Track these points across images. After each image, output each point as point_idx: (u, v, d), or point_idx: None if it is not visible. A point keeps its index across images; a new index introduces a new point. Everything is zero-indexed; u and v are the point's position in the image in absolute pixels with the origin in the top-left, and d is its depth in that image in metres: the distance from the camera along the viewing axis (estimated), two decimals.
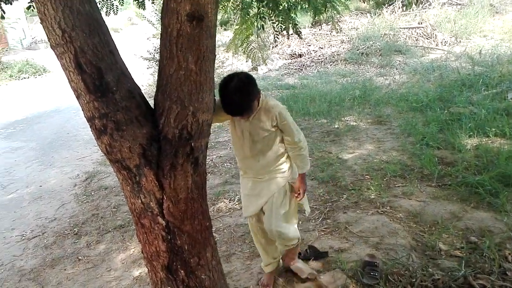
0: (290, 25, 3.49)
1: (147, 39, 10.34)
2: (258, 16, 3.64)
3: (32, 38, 25.48)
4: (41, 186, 5.34)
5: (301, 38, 4.12)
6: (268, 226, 2.54)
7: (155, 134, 1.81)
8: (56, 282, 3.18)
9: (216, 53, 1.93)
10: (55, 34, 1.62)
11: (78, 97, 1.75)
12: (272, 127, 2.41)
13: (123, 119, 1.73)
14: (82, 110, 1.78)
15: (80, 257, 3.50)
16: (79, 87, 1.69)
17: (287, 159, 2.56)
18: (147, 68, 9.86)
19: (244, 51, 4.44)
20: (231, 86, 2.20)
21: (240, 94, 2.20)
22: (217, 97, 2.16)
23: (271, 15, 3.60)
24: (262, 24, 3.66)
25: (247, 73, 2.37)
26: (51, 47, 1.70)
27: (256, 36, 4.19)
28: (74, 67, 1.65)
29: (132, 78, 1.84)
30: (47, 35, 1.66)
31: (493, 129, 4.74)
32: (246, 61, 11.74)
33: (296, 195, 2.61)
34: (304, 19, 13.19)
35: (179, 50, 1.72)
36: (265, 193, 2.53)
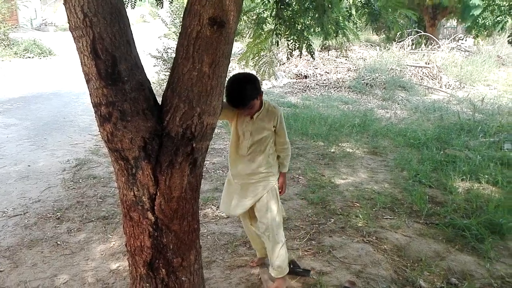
0: (304, 44, 3.53)
1: (158, 37, 10.39)
2: (274, 32, 3.69)
3: (43, 20, 25.52)
4: (29, 166, 5.28)
5: (314, 58, 4.17)
6: (264, 227, 2.69)
7: (158, 129, 1.82)
8: (31, 263, 3.13)
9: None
10: (76, 17, 1.62)
11: (88, 82, 1.75)
12: (272, 128, 2.62)
13: (129, 109, 1.73)
14: (90, 95, 1.78)
15: (59, 242, 3.45)
16: (91, 72, 1.69)
17: (275, 161, 2.75)
18: (154, 66, 9.90)
19: (255, 64, 4.49)
20: (237, 78, 2.47)
21: (243, 85, 2.43)
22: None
23: (287, 32, 3.65)
24: (277, 41, 3.71)
25: (252, 73, 2.61)
26: (69, 28, 1.70)
27: (268, 51, 4.24)
28: (89, 51, 1.66)
29: (144, 71, 1.84)
30: (68, 17, 1.67)
31: (486, 176, 4.79)
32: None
33: (280, 190, 2.80)
34: (314, 43, 13.35)
35: (195, 51, 1.74)
36: (255, 194, 2.68)
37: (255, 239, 2.97)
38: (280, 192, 2.80)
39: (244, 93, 2.42)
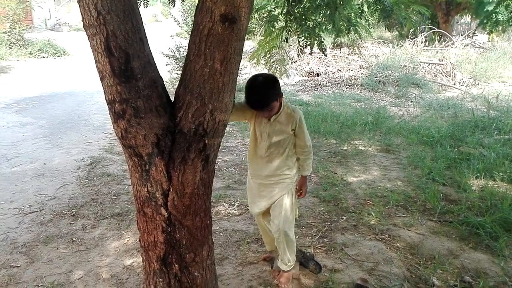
0: (316, 41, 3.51)
1: (171, 36, 10.44)
2: (285, 29, 3.68)
3: (57, 20, 25.86)
4: (45, 164, 5.37)
5: (325, 55, 4.16)
6: (276, 228, 2.68)
7: (171, 126, 1.83)
8: (47, 259, 3.18)
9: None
10: (90, 15, 1.65)
11: (102, 79, 1.77)
12: (291, 131, 2.58)
13: (142, 106, 1.75)
14: (104, 92, 1.81)
15: (74, 239, 3.50)
16: (105, 70, 1.71)
17: (294, 164, 2.72)
18: (166, 65, 9.96)
19: (266, 62, 4.49)
20: (258, 80, 2.42)
21: (264, 87, 2.39)
22: (240, 98, 2.28)
23: (298, 29, 3.64)
24: (287, 37, 3.70)
25: (273, 74, 2.55)
26: (83, 27, 1.73)
27: (279, 48, 4.24)
28: (103, 49, 1.68)
29: (157, 68, 1.86)
30: (82, 15, 1.69)
31: (501, 174, 4.73)
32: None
33: (298, 194, 2.79)
34: (326, 40, 13.30)
35: (207, 48, 1.74)
36: (271, 196, 2.68)
37: (265, 233, 2.99)
38: (299, 196, 2.80)
39: (264, 95, 2.39)
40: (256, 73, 2.61)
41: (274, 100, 2.43)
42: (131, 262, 3.14)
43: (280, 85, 2.57)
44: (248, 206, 3.20)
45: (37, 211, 4.03)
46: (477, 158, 5.28)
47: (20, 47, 15.91)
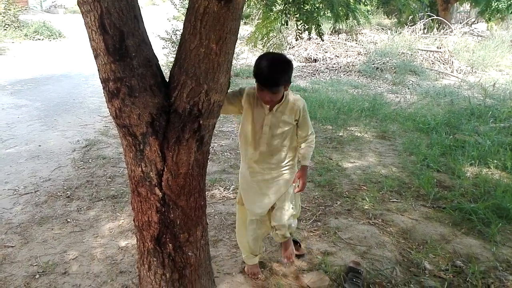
0: (313, 26, 3.48)
1: (167, 19, 10.34)
2: (283, 12, 3.65)
3: (52, 2, 25.51)
4: (40, 145, 5.35)
5: (323, 40, 4.12)
6: (279, 221, 2.51)
7: (166, 105, 1.82)
8: (41, 240, 3.19)
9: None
10: None
11: (96, 57, 1.75)
12: (293, 121, 2.41)
13: (137, 85, 1.74)
14: (98, 70, 1.79)
15: (69, 220, 3.51)
16: (99, 47, 1.69)
17: (294, 155, 2.56)
18: (162, 48, 9.88)
19: (263, 45, 4.46)
20: (277, 56, 2.23)
21: (283, 65, 2.18)
22: (236, 84, 2.19)
23: (296, 13, 3.61)
24: (286, 20, 3.67)
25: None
26: (77, 3, 1.70)
27: (279, 31, 4.21)
28: (97, 26, 1.65)
29: (152, 47, 1.84)
30: None
31: (495, 161, 4.76)
32: None
33: (294, 184, 2.58)
34: (324, 26, 13.22)
35: (203, 27, 1.72)
36: (274, 191, 2.49)
37: (258, 240, 2.70)
38: (298, 190, 2.60)
39: (281, 73, 2.17)
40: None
41: (284, 82, 2.21)
42: (125, 243, 3.16)
43: None
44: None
45: (32, 192, 4.03)
46: (472, 145, 5.30)
47: (15, 28, 15.74)
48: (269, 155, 2.44)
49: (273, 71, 2.15)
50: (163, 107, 1.82)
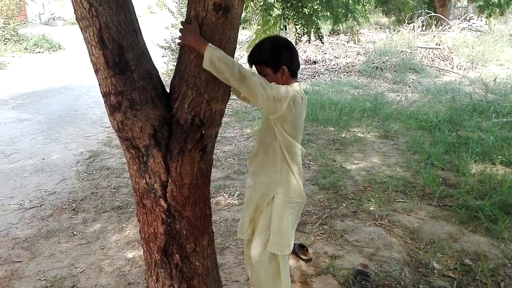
0: (313, 29, 3.49)
1: (166, 28, 10.38)
2: (282, 17, 3.65)
3: (51, 14, 25.69)
4: (44, 159, 5.37)
5: (322, 43, 4.13)
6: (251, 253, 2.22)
7: (167, 117, 1.83)
8: (48, 254, 3.19)
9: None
10: (82, 7, 1.63)
11: (96, 72, 1.76)
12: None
13: (138, 98, 1.74)
14: (99, 85, 1.80)
15: (75, 233, 3.51)
16: (99, 62, 1.70)
17: (287, 171, 2.06)
18: (162, 57, 9.91)
19: None
20: (273, 36, 2.19)
21: (265, 41, 2.06)
22: None
23: (295, 17, 3.61)
24: (285, 25, 3.67)
25: (292, 43, 2.07)
26: (76, 19, 1.72)
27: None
28: (96, 41, 1.66)
29: (151, 59, 1.85)
30: (73, 7, 1.68)
31: (500, 157, 4.74)
32: None
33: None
34: (323, 27, 13.23)
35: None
36: (251, 204, 2.22)
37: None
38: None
39: (259, 49, 2.01)
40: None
41: (268, 62, 1.95)
42: (132, 255, 3.16)
43: (291, 56, 2.03)
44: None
45: (37, 206, 4.04)
46: (476, 141, 5.28)
47: (15, 42, 15.84)
48: (256, 153, 2.18)
49: (254, 47, 2.05)
50: (165, 119, 1.82)
